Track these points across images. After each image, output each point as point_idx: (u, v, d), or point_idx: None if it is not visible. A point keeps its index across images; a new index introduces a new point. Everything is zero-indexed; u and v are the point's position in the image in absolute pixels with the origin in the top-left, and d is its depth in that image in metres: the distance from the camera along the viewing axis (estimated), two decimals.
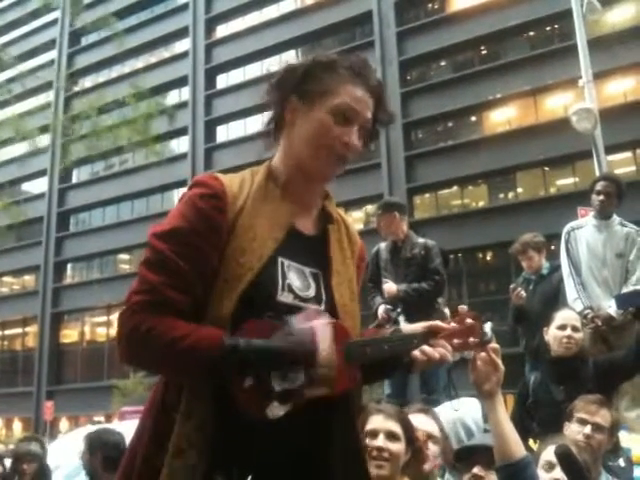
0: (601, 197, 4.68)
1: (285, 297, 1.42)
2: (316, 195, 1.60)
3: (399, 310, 4.83)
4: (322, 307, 1.47)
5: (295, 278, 1.46)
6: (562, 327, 3.72)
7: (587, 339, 4.24)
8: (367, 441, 2.28)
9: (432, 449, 2.63)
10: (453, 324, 1.56)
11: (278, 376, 1.31)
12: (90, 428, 5.13)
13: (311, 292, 1.47)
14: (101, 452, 4.20)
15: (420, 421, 2.72)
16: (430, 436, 2.66)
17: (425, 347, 1.50)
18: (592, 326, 4.38)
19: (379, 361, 1.48)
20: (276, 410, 1.31)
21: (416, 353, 1.49)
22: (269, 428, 1.34)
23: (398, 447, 2.40)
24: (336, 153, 1.51)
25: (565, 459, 1.74)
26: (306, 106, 1.52)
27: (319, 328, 1.34)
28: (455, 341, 1.55)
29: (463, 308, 1.61)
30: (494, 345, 1.82)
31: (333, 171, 1.54)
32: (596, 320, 4.40)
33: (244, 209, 1.46)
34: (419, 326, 1.55)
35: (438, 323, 1.56)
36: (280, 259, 1.45)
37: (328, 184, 1.61)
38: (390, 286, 4.88)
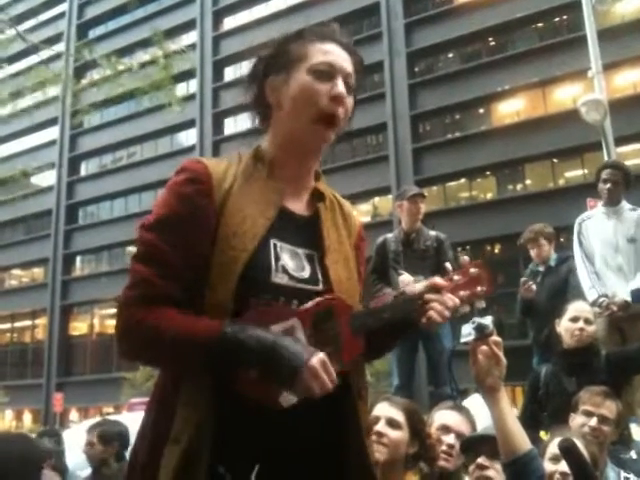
0: (608, 185, 4.60)
1: (280, 278, 1.39)
2: (306, 172, 1.56)
3: None
4: (319, 287, 1.44)
5: (288, 259, 1.43)
6: (574, 319, 3.69)
7: (602, 329, 4.19)
8: None
9: (458, 448, 2.59)
10: (457, 277, 1.52)
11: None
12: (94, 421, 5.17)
13: (305, 273, 1.44)
14: (118, 442, 4.29)
15: (454, 420, 2.69)
16: (461, 436, 2.62)
17: (434, 307, 1.45)
18: (608, 313, 4.31)
19: (389, 325, 1.46)
20: (289, 398, 1.28)
21: (431, 313, 1.45)
22: (275, 417, 1.31)
23: (398, 435, 2.38)
24: (326, 111, 1.45)
25: (568, 453, 1.72)
26: (283, 76, 1.49)
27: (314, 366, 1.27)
28: (462, 293, 1.51)
29: (465, 259, 1.57)
30: (496, 338, 1.77)
31: (325, 135, 1.48)
32: (611, 306, 4.31)
33: (231, 191, 1.42)
34: (421, 285, 1.52)
35: (439, 280, 1.51)
36: (272, 241, 1.42)
37: (320, 157, 1.57)
38: (406, 277, 4.83)
